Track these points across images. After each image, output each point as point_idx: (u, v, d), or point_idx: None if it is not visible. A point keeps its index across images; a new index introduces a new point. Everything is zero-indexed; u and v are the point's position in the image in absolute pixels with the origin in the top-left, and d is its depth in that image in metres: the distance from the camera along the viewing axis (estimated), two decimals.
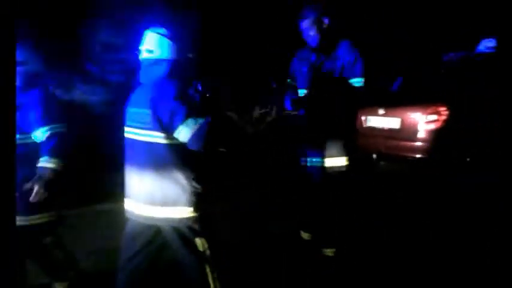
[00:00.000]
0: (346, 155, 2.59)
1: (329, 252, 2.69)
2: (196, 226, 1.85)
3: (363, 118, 5.53)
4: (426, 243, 3.10)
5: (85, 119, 4.46)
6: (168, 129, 1.77)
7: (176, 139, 1.78)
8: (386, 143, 5.23)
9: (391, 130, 5.16)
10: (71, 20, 4.68)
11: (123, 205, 1.95)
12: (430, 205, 3.98)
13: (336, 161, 2.59)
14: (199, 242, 1.87)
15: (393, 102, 5.28)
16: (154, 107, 1.77)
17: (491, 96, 4.90)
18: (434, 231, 3.30)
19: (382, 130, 5.27)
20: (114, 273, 1.95)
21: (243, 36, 6.75)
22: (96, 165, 4.52)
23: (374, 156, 5.33)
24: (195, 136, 1.73)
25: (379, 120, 5.32)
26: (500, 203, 3.79)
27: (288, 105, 2.65)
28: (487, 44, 5.75)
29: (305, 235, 2.86)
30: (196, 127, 1.73)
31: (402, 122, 5.06)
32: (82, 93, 4.28)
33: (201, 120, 1.74)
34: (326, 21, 2.56)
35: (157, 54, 1.86)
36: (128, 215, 1.95)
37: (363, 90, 2.53)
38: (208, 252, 1.87)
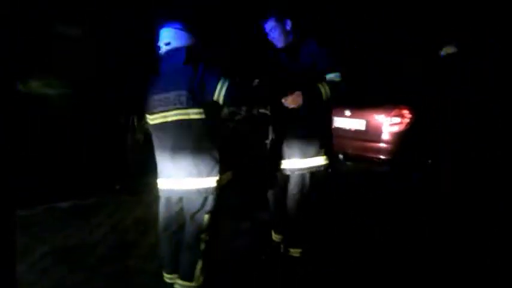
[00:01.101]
0: (324, 154, 2.56)
1: (295, 252, 2.68)
2: (217, 194, 2.11)
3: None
4: (395, 240, 3.18)
5: (42, 112, 4.26)
6: (206, 97, 2.02)
7: (209, 112, 2.04)
8: (352, 144, 5.33)
9: (357, 131, 5.27)
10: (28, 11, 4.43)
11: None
12: (395, 203, 4.09)
13: (314, 160, 2.54)
14: (206, 217, 2.11)
15: (359, 104, 5.39)
16: (191, 85, 2.01)
17: (454, 98, 5.12)
18: (403, 228, 3.40)
19: (348, 131, 5.37)
20: None
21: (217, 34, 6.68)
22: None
23: (341, 156, 5.42)
24: (230, 91, 2.02)
25: (346, 122, 5.42)
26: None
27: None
28: (448, 50, 5.98)
29: (276, 237, 2.84)
30: (227, 83, 2.02)
31: (367, 124, 5.18)
32: (40, 86, 4.07)
33: (228, 80, 2.04)
34: (288, 22, 2.56)
35: (174, 44, 2.13)
36: (163, 194, 2.21)
37: (343, 84, 2.46)
38: (207, 233, 2.12)
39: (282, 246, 2.76)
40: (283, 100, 2.38)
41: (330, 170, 2.63)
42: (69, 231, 3.42)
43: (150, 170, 2.27)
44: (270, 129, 2.73)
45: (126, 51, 5.08)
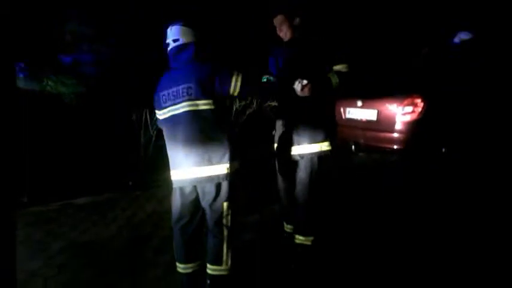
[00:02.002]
0: (328, 140, 2.61)
1: (306, 241, 2.69)
2: (231, 180, 2.17)
3: (341, 109, 5.57)
4: (406, 232, 3.14)
5: (56, 110, 4.35)
6: (220, 90, 2.10)
7: (220, 103, 2.12)
8: (364, 134, 5.28)
9: (368, 122, 5.21)
10: (42, 9, 4.50)
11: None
12: (408, 193, 4.04)
13: (322, 145, 2.60)
14: (225, 205, 2.18)
15: (371, 94, 5.32)
16: (200, 78, 2.09)
17: (466, 87, 5.02)
18: (414, 220, 3.36)
19: (360, 122, 5.32)
20: None
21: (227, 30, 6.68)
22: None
23: (352, 147, 5.38)
24: (244, 85, 2.13)
25: (357, 112, 5.37)
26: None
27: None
28: (462, 37, 5.86)
29: (288, 227, 2.85)
30: (241, 77, 2.12)
31: (379, 114, 5.11)
32: (54, 84, 4.14)
33: (241, 74, 2.12)
34: (297, 18, 2.61)
35: (182, 40, 2.18)
36: (176, 185, 2.25)
37: (349, 75, 2.55)
38: (229, 218, 2.20)
39: (295, 236, 2.76)
40: (295, 86, 2.42)
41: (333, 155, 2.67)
42: (85, 226, 3.49)
43: (162, 165, 2.29)
44: (278, 121, 2.73)
45: (140, 49, 5.13)
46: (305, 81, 2.40)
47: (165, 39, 2.25)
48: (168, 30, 2.23)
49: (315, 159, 2.61)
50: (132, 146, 4.79)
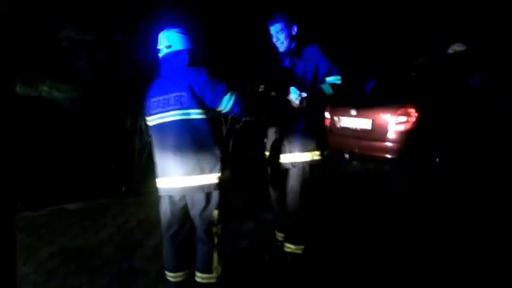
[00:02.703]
0: (319, 149, 2.63)
1: (297, 249, 2.68)
2: (222, 189, 2.15)
3: (335, 118, 5.60)
4: (398, 241, 3.14)
5: (52, 116, 4.35)
6: (211, 104, 2.08)
7: (210, 114, 2.10)
8: (358, 143, 5.30)
9: (363, 130, 5.24)
10: (41, 15, 4.53)
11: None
12: (401, 202, 4.05)
13: (313, 154, 2.61)
14: (215, 213, 2.16)
15: (365, 103, 5.36)
16: (192, 88, 2.05)
17: (460, 97, 5.07)
18: (406, 229, 3.36)
19: (354, 130, 5.35)
20: None
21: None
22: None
23: (346, 156, 5.39)
24: (237, 104, 2.10)
25: (352, 121, 5.40)
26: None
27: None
28: (456, 48, 5.92)
29: (280, 235, 2.85)
30: (234, 97, 2.09)
31: (373, 123, 5.14)
32: (49, 90, 4.15)
33: (235, 93, 2.10)
34: (295, 27, 2.62)
35: (174, 46, 2.16)
36: (164, 193, 2.23)
37: (342, 87, 2.58)
38: (219, 226, 2.18)
39: (284, 244, 2.76)
40: (294, 99, 2.45)
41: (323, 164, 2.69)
42: (76, 232, 3.48)
43: (155, 172, 2.28)
44: (270, 129, 2.74)
45: (135, 55, 5.15)
46: (304, 94, 2.41)
47: (157, 45, 2.22)
48: (161, 35, 2.21)
49: (307, 168, 2.61)
50: (126, 152, 4.79)
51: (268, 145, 2.75)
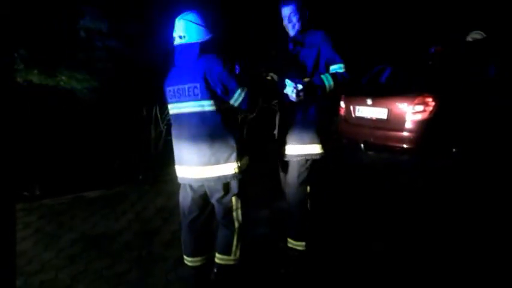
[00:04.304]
0: (319, 143, 2.50)
1: (298, 246, 2.58)
2: (240, 177, 2.17)
3: (351, 108, 5.55)
4: (413, 234, 3.12)
5: (70, 105, 4.42)
6: (222, 97, 2.08)
7: (224, 105, 2.11)
8: (374, 133, 5.26)
9: (378, 120, 5.19)
10: (56, 5, 4.57)
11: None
12: (416, 194, 4.02)
13: (310, 147, 2.50)
14: (234, 199, 2.19)
15: (381, 93, 5.30)
16: (205, 78, 2.06)
17: (478, 86, 4.96)
18: (418, 223, 3.33)
19: (370, 120, 5.30)
20: None
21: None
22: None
23: (362, 145, 5.36)
24: (245, 101, 2.10)
25: (367, 110, 5.35)
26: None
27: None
28: (474, 36, 5.79)
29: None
30: (244, 93, 2.09)
31: (389, 113, 5.09)
32: (67, 79, 4.21)
33: (246, 88, 2.10)
34: (307, 12, 2.55)
35: (187, 39, 2.14)
36: (181, 181, 2.27)
37: (346, 75, 2.43)
38: (239, 212, 2.21)
39: (287, 240, 2.64)
40: (290, 93, 2.34)
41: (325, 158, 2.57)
42: (96, 219, 3.55)
43: (172, 160, 2.31)
44: (277, 118, 2.71)
45: (151, 44, 5.16)
46: (300, 86, 2.29)
47: (172, 31, 2.20)
48: (177, 21, 2.19)
49: (302, 161, 2.50)
50: (143, 140, 4.84)
51: (276, 136, 2.69)
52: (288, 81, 2.31)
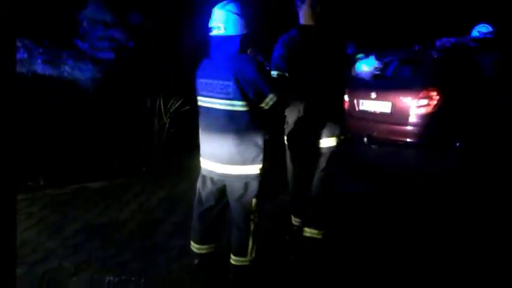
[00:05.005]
0: (337, 135, 2.61)
1: (318, 234, 2.66)
2: (261, 179, 2.15)
3: (354, 101, 5.53)
4: (416, 228, 3.13)
5: (74, 96, 4.42)
6: (253, 99, 2.03)
7: (255, 106, 2.05)
8: (377, 127, 5.24)
9: (382, 114, 5.17)
10: None
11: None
12: (419, 188, 4.01)
13: (328, 141, 2.60)
14: (254, 201, 2.16)
15: (385, 86, 5.27)
16: (238, 80, 1.99)
17: (483, 81, 4.93)
18: (426, 215, 3.34)
19: (373, 114, 5.28)
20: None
21: None
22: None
23: (365, 139, 5.34)
24: (275, 105, 2.07)
25: (371, 104, 5.33)
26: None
27: None
28: (481, 30, 5.74)
29: (296, 220, 2.83)
30: (276, 99, 2.05)
31: (393, 106, 5.07)
32: (70, 70, 4.20)
33: (277, 93, 2.05)
34: (319, 6, 2.54)
35: (226, 30, 2.02)
36: (205, 173, 2.25)
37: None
38: (256, 214, 2.19)
39: (304, 229, 2.73)
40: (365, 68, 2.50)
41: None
42: (99, 209, 3.56)
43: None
44: (291, 113, 2.70)
45: (157, 36, 5.14)
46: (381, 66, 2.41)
47: (209, 21, 2.09)
48: (215, 10, 2.06)
49: (331, 152, 2.60)
50: (146, 132, 4.84)
51: (289, 129, 2.70)
52: (372, 58, 2.42)
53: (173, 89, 4.76)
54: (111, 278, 2.37)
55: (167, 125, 4.85)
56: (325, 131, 2.58)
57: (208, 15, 2.08)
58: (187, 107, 4.59)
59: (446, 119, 4.78)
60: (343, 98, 2.80)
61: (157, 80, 4.87)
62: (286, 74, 2.45)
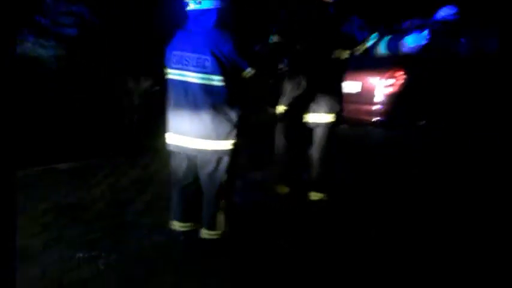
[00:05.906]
0: (336, 112, 2.85)
1: (325, 197, 2.92)
2: (232, 154, 2.18)
3: None
4: (387, 208, 3.21)
5: (37, 74, 4.26)
6: (231, 74, 2.05)
7: (231, 81, 2.07)
8: (347, 107, 5.31)
9: (351, 94, 5.28)
10: None
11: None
12: (387, 166, 4.16)
13: (327, 117, 2.83)
14: (225, 176, 2.20)
15: (355, 67, 5.35)
16: (215, 54, 2.01)
17: (448, 61, 5.10)
18: (390, 196, 3.42)
19: (344, 94, 5.37)
20: None
21: None
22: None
23: None
24: (253, 77, 2.11)
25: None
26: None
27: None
28: (447, 11, 5.89)
29: (284, 189, 3.04)
30: (253, 72, 2.10)
31: (362, 86, 5.19)
32: (33, 47, 4.04)
33: (255, 67, 2.10)
34: None
35: (202, 4, 2.05)
36: (174, 148, 2.25)
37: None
38: (228, 189, 2.23)
39: (310, 194, 2.97)
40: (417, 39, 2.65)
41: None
42: (68, 190, 3.50)
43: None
44: (287, 85, 2.86)
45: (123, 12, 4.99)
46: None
47: None
48: None
49: (328, 127, 2.84)
50: (116, 112, 4.76)
51: (285, 101, 2.84)
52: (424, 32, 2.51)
53: (144, 69, 4.68)
54: (81, 255, 2.37)
55: (137, 105, 4.79)
56: (324, 107, 2.77)
57: None
58: (157, 87, 4.54)
59: (412, 98, 4.94)
60: (342, 76, 2.94)
61: (126, 58, 4.76)
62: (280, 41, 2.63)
